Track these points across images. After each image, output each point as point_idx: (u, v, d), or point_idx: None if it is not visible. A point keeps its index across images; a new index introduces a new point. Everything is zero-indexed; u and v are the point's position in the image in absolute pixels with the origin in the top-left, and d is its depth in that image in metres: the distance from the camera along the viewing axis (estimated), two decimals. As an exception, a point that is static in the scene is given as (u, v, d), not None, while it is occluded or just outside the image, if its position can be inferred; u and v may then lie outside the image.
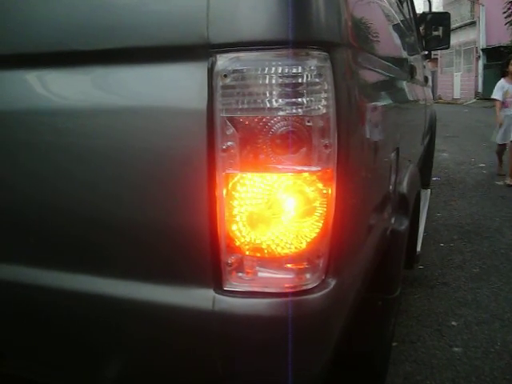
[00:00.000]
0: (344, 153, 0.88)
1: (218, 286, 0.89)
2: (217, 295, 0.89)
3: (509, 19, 17.83)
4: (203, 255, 0.89)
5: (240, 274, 0.90)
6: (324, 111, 0.84)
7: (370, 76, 1.17)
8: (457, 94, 24.60)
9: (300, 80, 0.83)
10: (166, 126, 0.87)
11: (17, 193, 1.01)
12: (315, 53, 0.84)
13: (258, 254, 0.89)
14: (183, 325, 0.93)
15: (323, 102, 0.84)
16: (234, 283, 0.89)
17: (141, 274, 0.94)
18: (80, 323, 1.01)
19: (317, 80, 0.83)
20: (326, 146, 0.85)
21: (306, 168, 0.85)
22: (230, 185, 0.86)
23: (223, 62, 0.83)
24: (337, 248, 0.91)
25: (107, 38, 0.89)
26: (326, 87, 0.84)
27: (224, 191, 0.86)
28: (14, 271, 1.03)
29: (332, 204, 0.88)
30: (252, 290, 0.89)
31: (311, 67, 0.83)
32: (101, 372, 1.06)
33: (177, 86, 0.87)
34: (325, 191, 0.87)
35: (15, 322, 1.09)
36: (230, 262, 0.88)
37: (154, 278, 0.93)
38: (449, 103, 21.99)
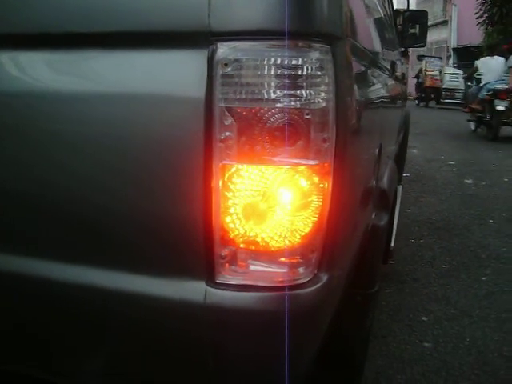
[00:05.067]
0: (341, 147, 0.87)
1: (211, 279, 0.87)
2: (209, 288, 0.87)
3: (480, 20, 18.11)
4: (196, 247, 0.87)
5: (233, 267, 0.88)
6: (324, 105, 0.83)
7: (365, 71, 1.17)
8: (427, 92, 24.94)
9: (301, 72, 0.81)
10: (162, 113, 0.85)
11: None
12: (317, 45, 0.82)
13: (252, 247, 0.87)
14: (173, 317, 0.91)
15: (323, 96, 0.83)
16: (227, 276, 0.88)
17: (131, 265, 0.92)
18: (68, 314, 0.98)
19: (318, 73, 0.82)
20: (324, 140, 0.84)
21: (303, 161, 0.84)
22: (226, 176, 0.84)
23: (224, 50, 0.81)
24: (330, 243, 0.91)
25: (104, 20, 0.86)
26: (326, 80, 0.83)
27: (220, 182, 0.84)
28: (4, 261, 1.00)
29: (328, 198, 0.87)
30: (245, 284, 0.88)
31: (313, 60, 0.82)
32: (86, 365, 1.04)
33: (175, 73, 0.84)
34: (321, 185, 0.86)
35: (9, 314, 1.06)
36: (223, 254, 0.87)
37: (144, 269, 0.91)
38: (419, 100, 22.31)
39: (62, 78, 0.92)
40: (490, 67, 9.93)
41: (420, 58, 19.80)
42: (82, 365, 1.05)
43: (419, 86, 19.52)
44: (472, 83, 10.97)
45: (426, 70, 19.34)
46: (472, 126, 10.86)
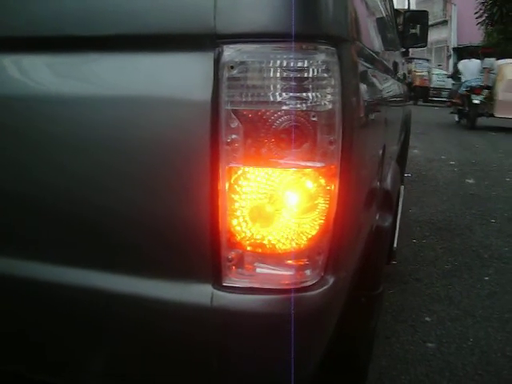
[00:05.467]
0: (347, 149, 0.87)
1: (217, 282, 0.87)
2: (215, 291, 0.87)
3: (480, 19, 18.12)
4: (203, 250, 0.87)
5: (240, 270, 0.88)
6: (330, 107, 0.83)
7: (370, 72, 1.17)
8: (427, 92, 25.06)
9: (307, 74, 0.81)
10: (168, 116, 0.85)
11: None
12: (323, 47, 0.82)
13: (259, 250, 0.87)
14: (180, 320, 0.91)
15: (329, 98, 0.83)
16: (234, 279, 0.87)
17: (137, 268, 0.92)
18: (71, 317, 0.98)
19: (324, 75, 0.82)
20: (330, 142, 0.84)
21: (309, 163, 0.84)
22: (233, 179, 0.84)
23: (230, 53, 0.81)
24: (336, 245, 0.90)
25: (108, 23, 0.86)
26: (332, 82, 0.83)
27: (226, 185, 0.84)
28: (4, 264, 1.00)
29: (334, 201, 0.87)
30: (251, 286, 0.87)
31: (319, 62, 0.82)
32: (89, 366, 1.04)
33: (180, 76, 0.84)
34: (328, 188, 0.86)
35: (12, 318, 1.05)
36: (230, 257, 0.87)
37: (150, 272, 0.91)
38: (419, 100, 22.56)
39: (64, 81, 0.92)
40: (469, 68, 11.88)
41: (408, 60, 20.80)
42: (86, 366, 1.05)
43: (408, 86, 20.35)
44: (455, 82, 12.98)
45: (414, 70, 20.38)
46: (456, 117, 12.76)
